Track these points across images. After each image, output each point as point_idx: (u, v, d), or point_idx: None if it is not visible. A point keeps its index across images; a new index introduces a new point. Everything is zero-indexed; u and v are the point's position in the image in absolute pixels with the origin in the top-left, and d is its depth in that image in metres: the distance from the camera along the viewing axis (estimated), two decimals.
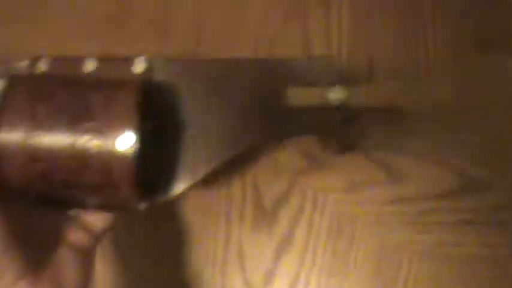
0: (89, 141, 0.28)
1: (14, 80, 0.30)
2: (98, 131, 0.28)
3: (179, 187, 0.33)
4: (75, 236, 0.30)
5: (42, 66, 0.33)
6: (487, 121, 0.40)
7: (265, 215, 0.41)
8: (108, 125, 0.28)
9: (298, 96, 0.33)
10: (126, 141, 0.28)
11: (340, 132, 0.34)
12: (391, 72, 0.40)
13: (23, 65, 0.34)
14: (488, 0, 0.42)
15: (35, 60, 0.33)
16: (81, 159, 0.28)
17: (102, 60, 0.32)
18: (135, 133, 0.28)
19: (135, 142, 0.28)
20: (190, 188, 0.33)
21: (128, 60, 0.33)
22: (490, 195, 0.39)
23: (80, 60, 0.33)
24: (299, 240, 0.40)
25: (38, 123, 0.28)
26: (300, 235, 0.40)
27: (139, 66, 0.33)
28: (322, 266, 0.39)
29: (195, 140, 0.33)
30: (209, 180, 0.40)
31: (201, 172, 0.33)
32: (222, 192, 0.41)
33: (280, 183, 0.41)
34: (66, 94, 0.29)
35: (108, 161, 0.28)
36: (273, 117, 0.34)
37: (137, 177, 0.29)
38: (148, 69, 0.33)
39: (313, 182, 0.41)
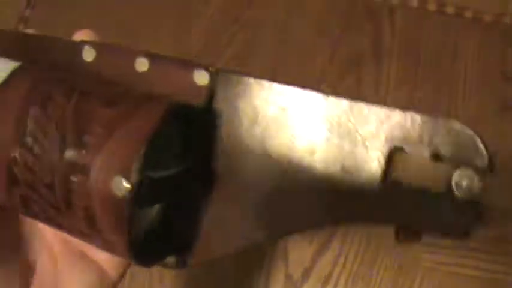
0: (71, 175, 0.20)
1: (21, 68, 0.23)
2: (86, 166, 0.20)
3: (185, 261, 0.24)
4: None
5: (87, 55, 0.24)
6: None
7: None
8: (101, 162, 0.20)
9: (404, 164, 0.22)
10: (119, 187, 0.19)
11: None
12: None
13: (62, 47, 0.25)
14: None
15: (79, 45, 0.24)
16: (61, 195, 0.21)
17: (156, 59, 0.23)
18: (136, 179, 0.19)
19: (131, 191, 0.19)
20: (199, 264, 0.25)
21: (189, 66, 0.23)
22: (494, 229, 0.48)
23: (131, 55, 0.24)
24: (334, 248, 0.50)
25: (24, 131, 0.21)
26: (335, 244, 0.50)
27: (201, 78, 0.23)
28: (351, 271, 0.49)
29: (227, 206, 0.23)
30: None
31: (221, 250, 0.24)
32: None
33: None
34: (66, 100, 0.21)
35: (93, 207, 0.20)
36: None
37: (134, 234, 0.21)
38: (212, 84, 0.23)
39: None
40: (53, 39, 0.25)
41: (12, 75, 0.23)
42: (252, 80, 0.23)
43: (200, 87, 0.23)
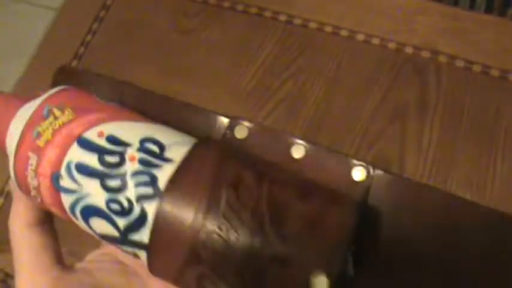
0: (269, 266, 0.20)
1: (207, 144, 0.24)
2: (287, 260, 0.20)
3: None
4: None
5: (240, 132, 0.25)
6: None
7: None
8: (302, 257, 0.20)
9: None
10: (319, 284, 0.19)
11: None
12: (463, 181, 0.52)
13: (219, 123, 0.26)
14: None
15: (234, 122, 0.25)
16: (253, 282, 0.21)
17: (313, 147, 0.24)
18: (336, 278, 0.20)
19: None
20: None
21: (346, 161, 0.24)
22: None
23: (287, 138, 0.25)
24: None
25: (215, 212, 0.21)
26: None
27: (359, 174, 0.24)
28: None
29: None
30: None
31: None
32: None
33: None
34: (258, 186, 0.21)
35: None
36: None
37: None
38: (368, 178, 0.24)
39: None
40: (196, 109, 0.27)
41: (196, 148, 0.23)
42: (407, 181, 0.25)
43: (357, 183, 0.24)
